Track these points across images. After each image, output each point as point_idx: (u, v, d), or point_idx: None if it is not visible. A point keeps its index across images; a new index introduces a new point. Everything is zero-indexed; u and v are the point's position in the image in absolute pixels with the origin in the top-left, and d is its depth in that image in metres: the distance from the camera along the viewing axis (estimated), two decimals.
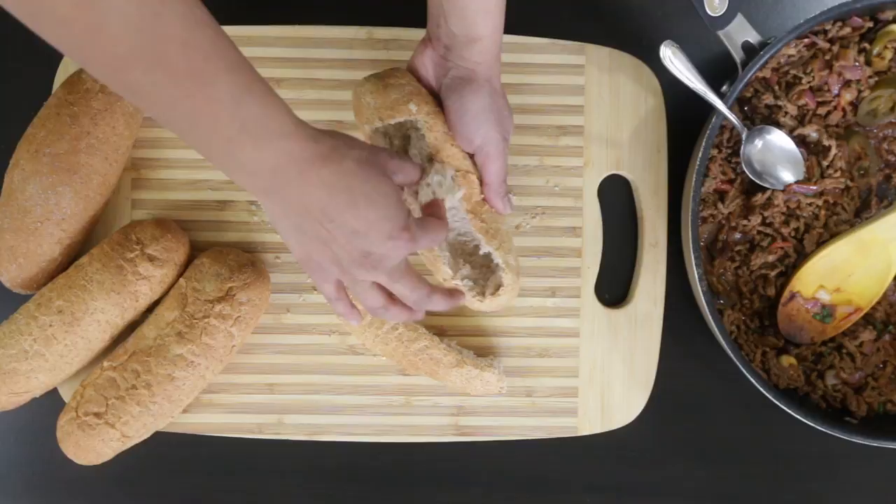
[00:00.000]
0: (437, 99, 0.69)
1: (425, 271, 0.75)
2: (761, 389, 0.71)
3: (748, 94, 0.76)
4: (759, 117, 0.77)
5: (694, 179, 0.71)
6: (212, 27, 0.46)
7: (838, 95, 0.76)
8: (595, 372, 0.79)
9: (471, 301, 0.70)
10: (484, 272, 0.70)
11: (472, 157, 0.69)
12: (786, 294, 0.76)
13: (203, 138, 0.50)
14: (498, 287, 0.69)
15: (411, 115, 0.66)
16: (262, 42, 0.78)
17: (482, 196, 0.68)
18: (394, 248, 0.57)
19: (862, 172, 0.77)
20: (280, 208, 0.55)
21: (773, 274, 0.77)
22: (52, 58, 0.77)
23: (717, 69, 0.75)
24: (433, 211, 0.64)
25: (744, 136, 0.74)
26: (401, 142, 0.71)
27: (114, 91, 0.53)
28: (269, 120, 0.50)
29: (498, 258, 0.68)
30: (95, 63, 0.44)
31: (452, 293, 0.65)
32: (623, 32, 0.81)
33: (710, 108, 0.73)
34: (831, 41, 0.75)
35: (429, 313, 0.78)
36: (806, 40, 0.75)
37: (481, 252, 0.69)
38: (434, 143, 0.67)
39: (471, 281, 0.70)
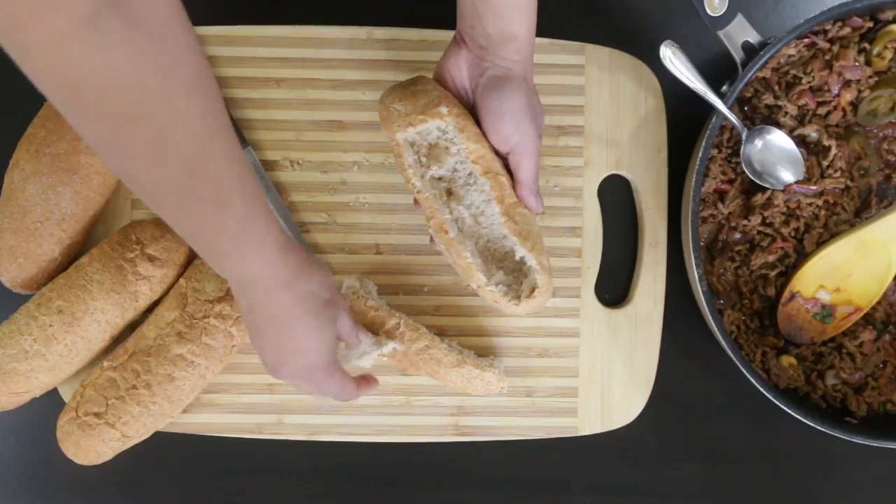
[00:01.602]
0: (463, 103, 0.69)
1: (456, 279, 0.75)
2: (761, 389, 0.71)
3: (748, 94, 0.76)
4: (759, 117, 0.77)
5: (694, 179, 0.71)
6: (241, 162, 0.51)
7: (838, 95, 0.76)
8: (595, 372, 0.79)
9: (506, 306, 0.69)
10: (515, 276, 0.70)
11: (503, 158, 0.69)
12: (786, 294, 0.76)
13: (200, 247, 0.55)
14: (533, 289, 0.68)
15: (442, 117, 0.66)
16: (262, 42, 0.78)
17: (514, 199, 0.68)
18: (306, 378, 0.63)
19: (862, 172, 0.77)
20: (243, 301, 0.60)
21: (773, 274, 0.77)
22: None
23: (717, 69, 0.75)
24: (366, 380, 0.71)
25: (744, 136, 0.74)
26: (427, 151, 0.71)
27: (138, 195, 0.59)
28: (261, 247, 0.55)
29: (532, 260, 0.68)
30: (139, 187, 0.50)
31: (368, 381, 0.71)
32: (623, 32, 0.81)
33: (710, 108, 0.73)
34: (831, 41, 0.75)
35: (430, 313, 0.79)
36: (806, 40, 0.75)
37: (517, 256, 0.68)
38: (466, 143, 0.67)
39: (504, 286, 0.70)
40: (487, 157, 0.67)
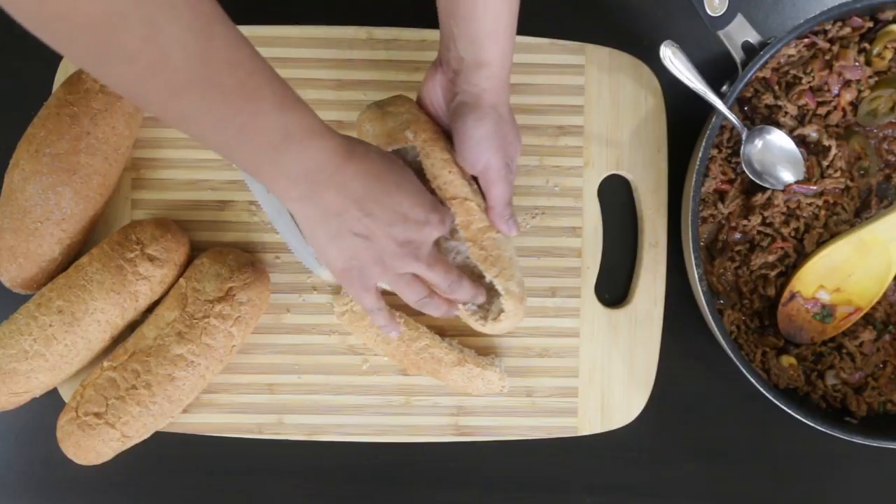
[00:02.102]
0: (440, 125, 0.69)
1: None
2: (761, 389, 0.71)
3: (748, 94, 0.76)
4: (759, 117, 0.77)
5: (694, 179, 0.71)
6: (249, 45, 0.50)
7: (838, 95, 0.76)
8: (595, 372, 0.79)
9: (473, 324, 0.70)
10: (491, 296, 0.70)
11: (476, 180, 0.69)
12: (786, 294, 0.76)
13: (251, 152, 0.53)
14: (500, 313, 0.68)
15: (408, 142, 0.66)
16: (263, 42, 0.78)
17: (483, 224, 0.68)
18: (430, 230, 0.61)
19: (862, 172, 0.77)
20: (318, 212, 0.58)
21: (773, 274, 0.77)
22: (52, 58, 0.77)
23: (717, 69, 0.75)
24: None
25: (744, 136, 0.74)
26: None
27: (164, 122, 0.57)
28: (307, 123, 0.54)
29: (499, 286, 0.67)
30: (155, 95, 0.47)
31: (476, 285, 0.68)
32: (623, 32, 0.81)
33: (710, 108, 0.73)
34: (831, 41, 0.75)
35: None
36: (806, 40, 0.75)
37: (487, 280, 0.68)
38: (431, 169, 0.67)
39: (474, 305, 0.70)
40: (455, 183, 0.67)
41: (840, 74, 0.75)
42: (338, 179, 0.56)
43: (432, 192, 0.67)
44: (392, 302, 0.78)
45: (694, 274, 0.72)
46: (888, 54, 0.75)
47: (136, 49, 0.43)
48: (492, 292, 0.69)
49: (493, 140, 0.65)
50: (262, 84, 0.50)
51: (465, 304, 0.69)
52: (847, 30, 0.74)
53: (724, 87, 0.73)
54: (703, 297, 0.72)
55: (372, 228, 0.59)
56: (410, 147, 0.68)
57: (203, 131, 0.51)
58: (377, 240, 0.59)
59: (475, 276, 0.70)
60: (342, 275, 0.62)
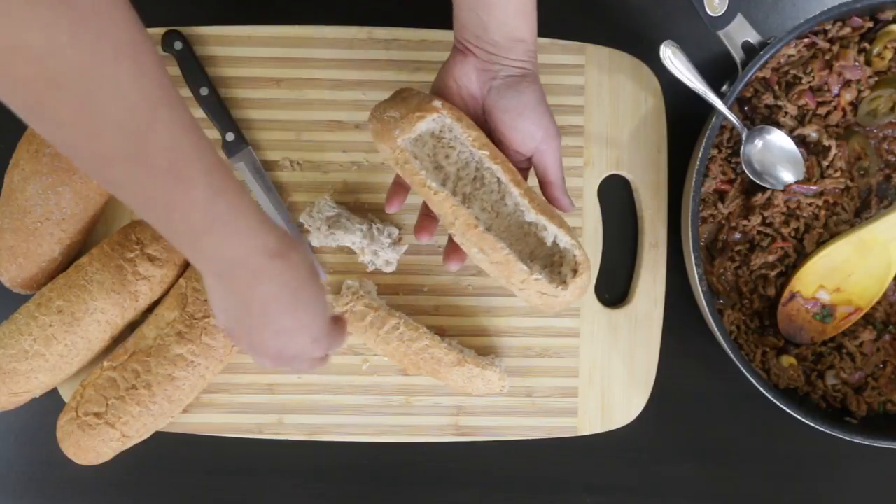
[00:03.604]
0: (469, 113, 0.67)
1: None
2: (761, 389, 0.71)
3: (748, 94, 0.76)
4: (759, 117, 0.77)
5: (694, 179, 0.71)
6: (195, 132, 0.49)
7: (838, 95, 0.76)
8: (595, 372, 0.79)
9: (552, 294, 0.64)
10: (548, 270, 0.66)
11: (523, 165, 0.67)
12: (786, 294, 0.76)
13: (172, 228, 0.52)
14: (576, 267, 0.64)
15: (438, 111, 0.64)
16: (262, 42, 0.78)
17: (526, 184, 0.65)
18: (312, 349, 0.61)
19: (862, 172, 0.77)
20: (223, 289, 0.57)
21: (773, 274, 0.77)
22: None
23: (717, 69, 0.75)
24: (337, 321, 0.64)
25: (744, 136, 0.74)
26: (430, 164, 0.67)
27: (90, 177, 0.54)
28: (238, 218, 0.52)
29: (565, 237, 0.64)
30: (82, 159, 0.47)
31: (340, 322, 0.65)
32: (623, 32, 0.81)
33: (710, 108, 0.73)
34: (831, 41, 0.75)
35: (430, 313, 0.79)
36: (806, 40, 0.75)
37: (548, 241, 0.65)
38: (468, 131, 0.64)
39: (540, 275, 0.64)
40: (492, 145, 0.65)
41: (840, 74, 0.75)
42: (253, 276, 0.55)
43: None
44: (391, 302, 0.78)
45: (694, 274, 0.72)
46: (888, 54, 0.75)
47: (67, 118, 0.43)
48: (547, 268, 0.65)
49: (546, 106, 0.66)
50: (198, 172, 0.49)
51: (535, 278, 0.65)
52: (847, 30, 0.74)
53: (724, 87, 0.73)
54: (703, 297, 0.72)
55: (260, 330, 0.58)
56: (431, 129, 0.65)
57: (127, 198, 0.50)
58: (258, 338, 0.58)
59: (525, 256, 0.66)
60: (220, 326, 0.62)
